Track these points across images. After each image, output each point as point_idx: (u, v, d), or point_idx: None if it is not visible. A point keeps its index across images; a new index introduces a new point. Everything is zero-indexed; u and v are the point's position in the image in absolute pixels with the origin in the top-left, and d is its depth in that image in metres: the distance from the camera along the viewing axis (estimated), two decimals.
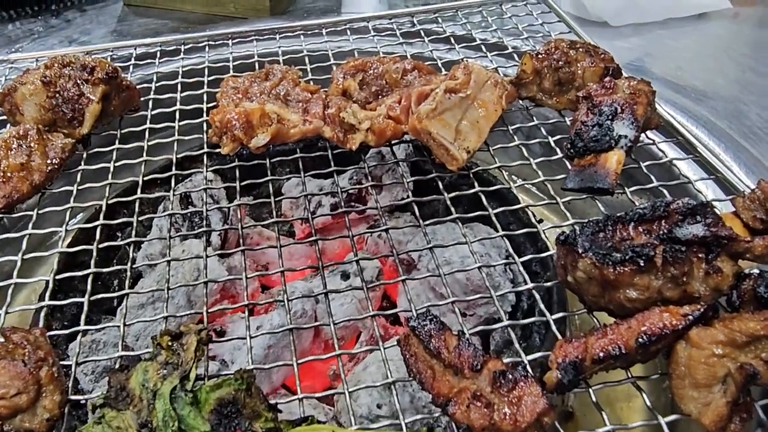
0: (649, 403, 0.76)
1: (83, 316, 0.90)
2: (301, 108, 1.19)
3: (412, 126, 1.11)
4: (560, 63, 1.22)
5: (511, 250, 0.99)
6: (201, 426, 0.72)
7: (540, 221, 1.17)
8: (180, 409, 0.73)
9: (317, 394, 0.84)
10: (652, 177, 1.06)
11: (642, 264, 0.77)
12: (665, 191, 1.03)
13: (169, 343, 0.79)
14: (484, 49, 1.51)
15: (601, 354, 0.72)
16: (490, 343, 1.18)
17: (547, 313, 0.88)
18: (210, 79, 1.39)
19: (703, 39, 1.74)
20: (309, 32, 1.63)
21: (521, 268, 0.96)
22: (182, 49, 1.54)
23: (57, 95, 1.14)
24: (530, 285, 0.93)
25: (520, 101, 1.28)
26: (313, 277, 1.26)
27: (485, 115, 1.15)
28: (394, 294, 1.33)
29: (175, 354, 0.78)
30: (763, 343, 0.69)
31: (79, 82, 1.16)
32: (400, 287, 1.26)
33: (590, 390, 0.77)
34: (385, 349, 0.85)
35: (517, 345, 0.84)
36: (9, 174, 1.05)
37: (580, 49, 1.24)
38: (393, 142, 1.21)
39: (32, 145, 1.07)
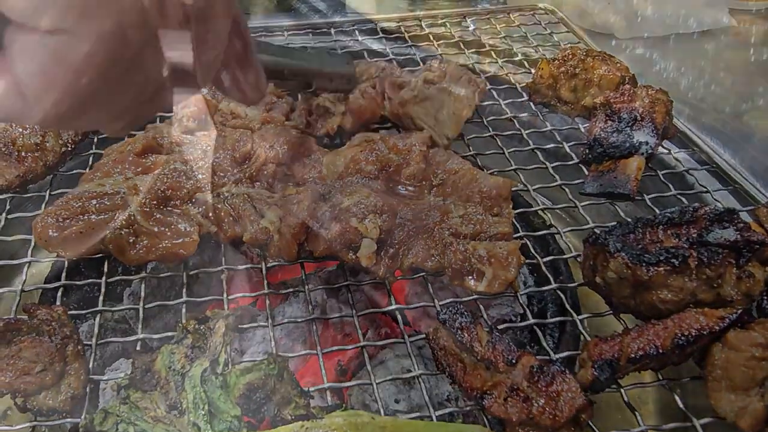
0: (682, 406, 0.76)
1: (101, 297, 0.88)
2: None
3: (393, 110, 1.15)
4: (576, 70, 1.23)
5: None
6: (231, 410, 0.71)
7: (550, 225, 1.17)
8: (210, 393, 0.71)
9: (346, 384, 0.83)
10: (671, 186, 1.07)
11: (677, 264, 0.78)
12: (684, 199, 1.04)
13: (196, 327, 0.78)
14: (494, 55, 1.52)
15: (639, 353, 0.72)
16: None
17: (574, 314, 0.88)
18: None
19: (706, 54, 1.77)
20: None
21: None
22: None
23: None
24: (554, 285, 0.93)
25: (533, 106, 1.28)
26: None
27: (460, 108, 1.17)
28: (397, 294, 1.31)
29: (203, 338, 0.77)
30: None
31: None
32: (408, 289, 1.25)
33: (622, 390, 0.77)
34: (411, 341, 0.85)
35: (544, 343, 0.84)
36: (24, 153, 1.03)
37: (596, 58, 1.25)
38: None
39: None
